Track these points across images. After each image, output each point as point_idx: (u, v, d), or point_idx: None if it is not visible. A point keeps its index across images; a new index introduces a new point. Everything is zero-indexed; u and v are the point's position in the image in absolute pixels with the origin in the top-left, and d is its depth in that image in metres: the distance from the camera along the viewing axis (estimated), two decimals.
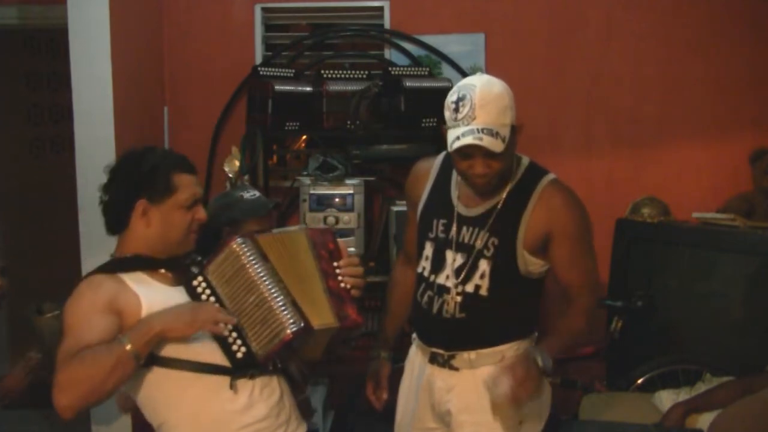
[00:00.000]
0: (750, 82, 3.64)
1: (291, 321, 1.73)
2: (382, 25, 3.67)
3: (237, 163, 3.30)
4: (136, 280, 1.80)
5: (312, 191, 3.29)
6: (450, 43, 3.64)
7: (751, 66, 3.63)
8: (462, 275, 2.05)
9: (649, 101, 3.67)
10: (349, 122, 3.36)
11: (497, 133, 1.89)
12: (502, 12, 3.66)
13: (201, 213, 1.88)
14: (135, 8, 3.26)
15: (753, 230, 3.10)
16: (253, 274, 1.77)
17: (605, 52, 3.66)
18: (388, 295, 2.35)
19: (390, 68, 3.49)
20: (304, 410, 2.55)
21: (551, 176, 2.06)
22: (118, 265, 1.83)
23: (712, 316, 3.15)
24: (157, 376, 1.78)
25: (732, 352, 2.99)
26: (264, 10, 3.69)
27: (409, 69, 3.45)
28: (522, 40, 3.67)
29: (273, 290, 1.76)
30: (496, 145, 1.89)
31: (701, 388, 2.71)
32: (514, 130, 1.94)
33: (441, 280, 2.09)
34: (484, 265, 2.03)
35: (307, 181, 3.33)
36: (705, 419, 2.47)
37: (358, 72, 3.46)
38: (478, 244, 2.03)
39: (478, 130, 1.88)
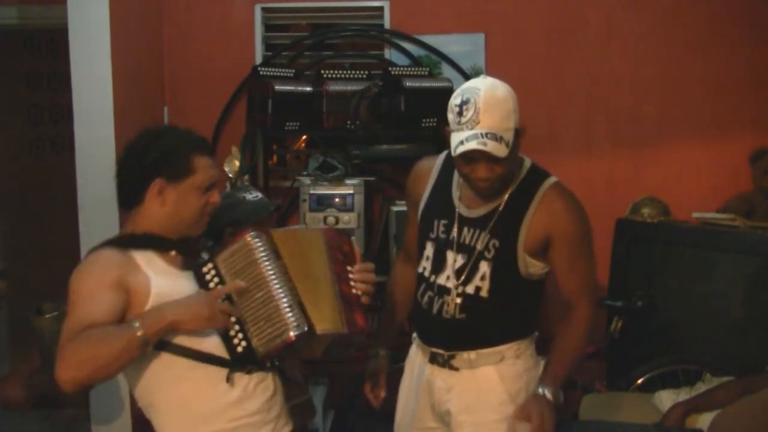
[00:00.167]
0: (750, 82, 3.64)
1: (295, 323, 1.73)
2: (382, 25, 3.67)
3: (237, 163, 3.29)
4: (146, 260, 1.77)
5: (312, 191, 3.29)
6: (450, 43, 3.64)
7: (751, 66, 3.63)
8: (462, 276, 2.05)
9: (649, 101, 3.68)
10: (349, 122, 3.36)
11: (501, 138, 1.87)
12: (502, 12, 3.66)
13: (216, 197, 1.86)
14: (135, 8, 3.26)
15: (753, 230, 3.10)
16: (263, 271, 1.76)
17: (605, 52, 3.66)
18: (388, 294, 2.34)
19: (390, 68, 3.49)
20: (306, 411, 2.56)
21: (553, 179, 2.06)
22: (129, 241, 1.80)
23: (712, 316, 3.15)
24: (154, 358, 1.75)
25: (732, 352, 2.99)
26: (264, 10, 3.69)
27: (409, 69, 3.45)
28: (522, 40, 3.67)
29: (280, 289, 1.75)
30: (500, 150, 1.87)
31: (701, 388, 2.70)
32: (518, 133, 1.93)
33: (441, 280, 2.08)
34: (484, 267, 2.03)
35: (307, 181, 3.33)
36: (705, 419, 2.46)
37: (358, 72, 3.46)
38: (479, 245, 2.03)
39: (482, 134, 1.86)
